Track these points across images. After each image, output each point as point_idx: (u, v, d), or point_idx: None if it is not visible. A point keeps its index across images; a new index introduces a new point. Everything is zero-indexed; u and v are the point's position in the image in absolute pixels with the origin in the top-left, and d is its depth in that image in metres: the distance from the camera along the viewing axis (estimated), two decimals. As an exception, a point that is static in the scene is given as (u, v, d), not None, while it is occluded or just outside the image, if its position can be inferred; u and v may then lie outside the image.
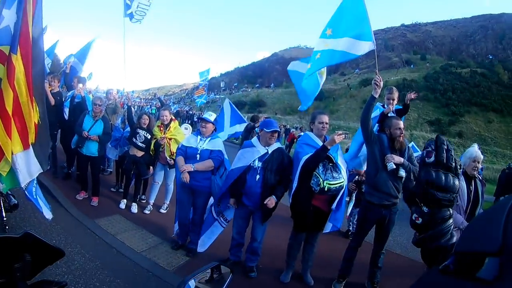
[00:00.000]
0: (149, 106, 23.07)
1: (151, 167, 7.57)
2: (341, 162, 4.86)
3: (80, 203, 7.34)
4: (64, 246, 5.40)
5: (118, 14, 8.85)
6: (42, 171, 4.52)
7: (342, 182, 4.74)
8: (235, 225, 5.40)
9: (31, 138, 4.24)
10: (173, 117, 7.49)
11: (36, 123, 4.31)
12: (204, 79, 30.18)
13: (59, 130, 8.97)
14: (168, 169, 7.42)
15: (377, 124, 5.59)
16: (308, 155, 4.73)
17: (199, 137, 5.75)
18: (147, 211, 7.45)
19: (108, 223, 6.63)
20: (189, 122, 34.08)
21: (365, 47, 5.35)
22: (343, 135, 4.61)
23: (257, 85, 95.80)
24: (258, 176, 4.99)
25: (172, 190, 7.51)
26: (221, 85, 64.11)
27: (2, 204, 4.91)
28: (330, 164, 4.77)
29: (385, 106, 5.93)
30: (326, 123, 5.03)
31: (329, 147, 4.60)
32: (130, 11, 8.74)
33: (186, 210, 5.88)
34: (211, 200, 5.84)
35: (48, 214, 4.81)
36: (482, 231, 1.35)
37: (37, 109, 4.32)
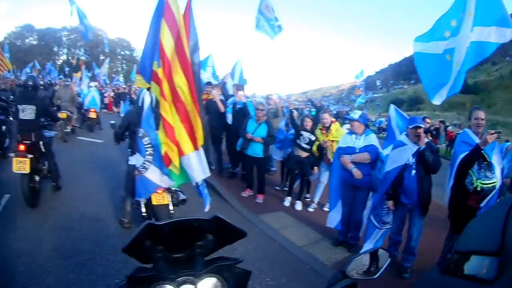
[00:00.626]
0: (308, 109, 23.69)
1: (315, 168, 7.69)
2: (495, 161, 4.55)
3: (245, 200, 7.80)
4: None
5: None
6: (209, 174, 5.12)
7: (495, 182, 4.46)
8: (393, 225, 5.42)
9: (200, 141, 4.85)
10: (333, 119, 7.54)
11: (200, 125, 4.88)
12: (359, 78, 30.22)
13: (224, 133, 9.64)
14: (328, 166, 7.41)
15: None
16: (464, 154, 4.54)
17: (353, 135, 5.85)
18: (311, 209, 7.60)
19: (272, 218, 6.90)
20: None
21: (506, 33, 5.03)
22: (495, 135, 4.28)
23: (413, 81, 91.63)
24: (413, 171, 4.97)
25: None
26: (377, 84, 62.66)
27: (171, 198, 5.33)
28: (485, 163, 4.50)
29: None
30: (482, 119, 4.75)
31: (482, 147, 4.32)
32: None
33: (348, 207, 5.93)
34: (369, 209, 5.83)
35: (206, 207, 5.41)
36: (482, 231, 1.35)
37: (201, 119, 4.89)
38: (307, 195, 8.22)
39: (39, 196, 6.86)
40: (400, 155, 5.06)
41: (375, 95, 55.96)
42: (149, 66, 4.87)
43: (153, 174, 4.82)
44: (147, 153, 4.80)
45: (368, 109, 55.09)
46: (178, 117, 4.67)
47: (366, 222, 5.86)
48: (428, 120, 9.43)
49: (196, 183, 5.09)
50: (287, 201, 7.75)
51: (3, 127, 10.73)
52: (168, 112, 4.64)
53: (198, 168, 4.86)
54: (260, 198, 7.83)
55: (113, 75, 48.22)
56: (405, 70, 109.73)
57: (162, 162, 4.75)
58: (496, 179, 4.44)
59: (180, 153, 4.73)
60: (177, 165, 4.79)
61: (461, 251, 1.35)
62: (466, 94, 62.97)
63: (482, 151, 4.33)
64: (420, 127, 4.95)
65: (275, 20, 10.18)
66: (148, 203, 5.28)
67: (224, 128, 9.42)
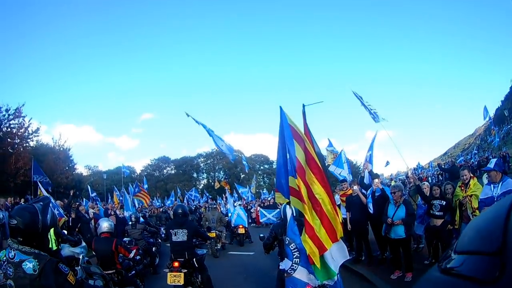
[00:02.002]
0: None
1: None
2: None
3: (395, 282, 7.77)
4: None
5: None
6: (348, 257, 5.68)
7: None
8: None
9: (339, 234, 5.43)
10: (472, 175, 7.42)
11: (341, 221, 5.61)
12: (487, 119, 28.36)
13: (368, 224, 9.83)
14: None
15: None
16: None
17: (492, 185, 5.77)
18: None
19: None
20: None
21: None
22: None
23: None
24: None
25: None
26: (506, 114, 56.63)
27: None
28: None
29: None
30: None
31: None
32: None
33: None
34: None
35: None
36: (482, 231, 1.37)
37: (339, 211, 5.69)
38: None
39: (192, 306, 7.28)
40: None
41: (509, 126, 51.13)
42: (286, 183, 5.54)
43: (300, 274, 5.17)
44: (294, 256, 5.19)
45: (507, 144, 49.93)
46: (318, 220, 5.24)
47: None
48: None
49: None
50: (436, 273, 7.44)
51: (154, 248, 11.89)
52: (309, 217, 5.20)
53: (339, 257, 5.36)
54: (409, 276, 7.71)
55: (258, 190, 50.13)
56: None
57: (308, 262, 5.12)
58: None
59: (322, 250, 5.19)
60: (318, 264, 5.16)
61: (461, 251, 1.38)
62: None
63: None
64: None
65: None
66: None
67: (368, 218, 9.61)
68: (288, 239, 5.30)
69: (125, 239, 10.83)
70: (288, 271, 5.28)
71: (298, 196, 5.29)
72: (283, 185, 5.65)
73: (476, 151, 58.04)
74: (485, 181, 7.68)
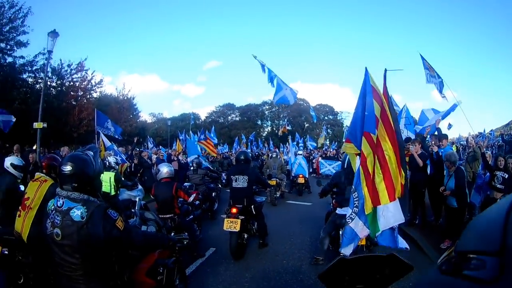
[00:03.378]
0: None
1: None
2: None
3: (443, 251, 7.38)
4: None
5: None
6: (403, 221, 5.81)
7: None
8: None
9: (398, 193, 5.59)
10: None
11: (403, 183, 5.74)
12: None
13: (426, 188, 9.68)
14: None
15: None
16: None
17: None
18: None
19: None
20: None
21: None
22: None
23: None
24: None
25: None
26: None
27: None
28: None
29: None
30: None
31: None
32: None
33: None
34: None
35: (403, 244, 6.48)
36: (482, 230, 1.31)
37: (403, 173, 5.79)
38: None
39: (244, 251, 7.73)
40: None
41: None
42: (360, 135, 5.83)
43: (355, 224, 5.54)
44: (354, 205, 5.54)
45: None
46: (381, 175, 5.53)
47: None
48: None
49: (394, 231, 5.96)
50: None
51: (213, 194, 12.28)
52: (374, 168, 5.55)
53: (391, 218, 5.60)
54: (456, 248, 7.44)
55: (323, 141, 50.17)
56: None
57: (365, 215, 5.48)
58: None
59: (376, 203, 5.49)
60: (369, 211, 5.53)
61: (461, 251, 1.30)
62: None
63: None
64: None
65: (437, 77, 10.26)
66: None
67: (427, 180, 9.43)
68: (353, 187, 5.64)
69: (185, 184, 11.20)
70: (347, 219, 5.69)
71: (369, 147, 5.60)
72: (357, 136, 5.91)
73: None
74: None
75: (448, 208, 7.84)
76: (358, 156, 5.89)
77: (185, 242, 4.19)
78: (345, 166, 7.09)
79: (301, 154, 18.70)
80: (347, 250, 5.77)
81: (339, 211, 6.73)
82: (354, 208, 5.55)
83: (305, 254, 7.85)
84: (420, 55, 10.87)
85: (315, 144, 38.66)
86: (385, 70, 6.36)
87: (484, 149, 8.37)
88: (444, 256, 1.43)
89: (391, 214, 5.59)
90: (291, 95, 13.99)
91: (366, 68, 5.97)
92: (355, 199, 5.56)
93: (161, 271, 4.02)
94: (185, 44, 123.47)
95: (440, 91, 10.53)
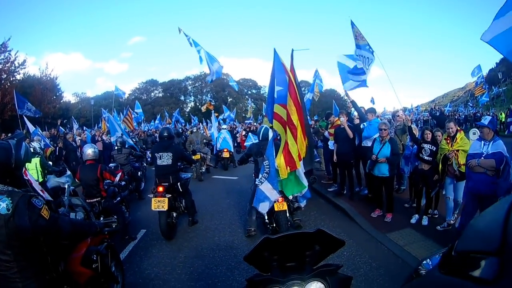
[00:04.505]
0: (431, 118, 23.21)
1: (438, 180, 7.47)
2: None
3: (374, 220, 7.91)
4: (354, 256, 6.19)
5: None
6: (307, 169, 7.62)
7: None
8: None
9: (303, 153, 7.30)
10: (459, 128, 7.31)
11: (306, 145, 7.61)
12: (478, 76, 28.01)
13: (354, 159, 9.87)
14: (455, 181, 7.12)
15: None
16: None
17: (482, 142, 5.82)
18: (439, 228, 7.22)
19: (398, 236, 6.95)
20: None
21: None
22: None
23: None
24: None
25: (452, 207, 7.24)
26: (499, 77, 56.07)
27: (288, 208, 7.00)
28: None
29: None
30: None
31: None
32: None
33: (470, 217, 5.79)
34: None
35: (303, 203, 7.72)
36: (482, 231, 1.37)
37: (307, 137, 7.55)
38: (435, 212, 8.01)
39: (175, 230, 7.76)
40: None
41: (500, 89, 51.17)
42: (271, 110, 6.99)
43: (265, 187, 6.53)
44: (265, 171, 6.56)
45: (496, 106, 50.32)
46: (295, 142, 6.80)
47: None
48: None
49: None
50: (414, 218, 7.66)
51: (139, 173, 12.10)
52: (288, 138, 6.78)
53: (302, 172, 7.15)
54: (388, 217, 7.85)
55: (243, 115, 50.11)
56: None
57: (275, 179, 6.53)
58: None
59: (294, 167, 6.85)
60: (285, 176, 6.81)
61: (461, 251, 1.38)
62: None
63: None
64: None
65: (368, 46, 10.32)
66: (270, 212, 6.77)
67: (354, 152, 9.63)
68: (265, 156, 6.64)
69: (110, 164, 10.91)
70: (257, 182, 6.81)
71: (281, 121, 6.83)
72: (268, 111, 7.15)
73: (463, 106, 58.12)
74: (472, 136, 7.65)
75: (376, 178, 8.07)
76: (271, 129, 7.10)
77: (114, 226, 4.09)
78: (260, 138, 7.66)
79: (225, 129, 18.74)
80: (262, 207, 6.66)
81: (257, 181, 7.01)
82: (264, 174, 6.54)
83: (236, 229, 7.97)
84: (351, 21, 10.60)
85: (229, 114, 38.77)
86: (292, 50, 7.21)
87: (410, 123, 8.68)
88: (444, 256, 1.50)
89: (302, 171, 7.14)
90: (216, 73, 13.96)
91: (274, 49, 6.85)
92: (265, 166, 6.54)
93: (95, 258, 3.88)
94: (109, 19, 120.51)
95: (367, 65, 10.53)
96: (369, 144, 8.84)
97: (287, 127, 6.80)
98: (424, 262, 2.14)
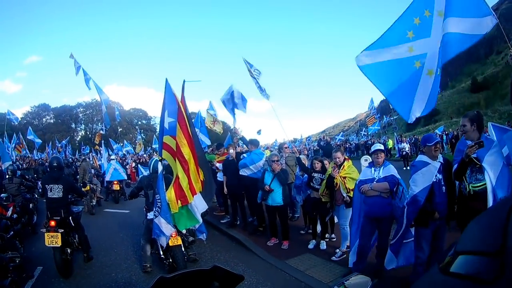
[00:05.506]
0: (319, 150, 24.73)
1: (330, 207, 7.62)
2: (487, 162, 4.52)
3: (272, 248, 7.97)
4: (256, 285, 6.19)
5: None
6: (207, 207, 7.26)
7: (485, 184, 4.49)
8: (420, 246, 5.35)
9: (198, 188, 6.96)
10: (346, 157, 7.52)
11: (202, 179, 7.17)
12: (372, 109, 30.10)
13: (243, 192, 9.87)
14: (345, 208, 7.25)
15: None
16: (456, 165, 4.76)
17: (372, 168, 6.05)
18: (335, 258, 7.15)
19: (298, 261, 7.04)
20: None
21: (486, 23, 5.11)
22: (475, 147, 4.42)
23: None
24: (444, 188, 5.09)
25: (348, 234, 7.18)
26: (391, 107, 61.79)
27: (182, 241, 6.85)
28: (476, 166, 4.60)
29: None
30: (464, 126, 4.84)
31: (466, 159, 4.51)
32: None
33: (365, 239, 6.05)
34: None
35: (204, 237, 7.55)
36: (482, 231, 1.37)
37: (202, 171, 7.25)
38: (333, 236, 8.22)
39: (71, 266, 7.35)
40: (426, 175, 5.09)
41: (391, 118, 55.29)
42: (161, 142, 6.87)
43: (159, 221, 6.36)
44: (157, 205, 6.39)
45: (387, 134, 54.13)
46: (185, 176, 6.64)
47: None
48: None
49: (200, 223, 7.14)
50: (312, 244, 7.82)
51: (31, 205, 11.39)
52: (178, 170, 6.64)
53: (199, 206, 6.92)
54: (285, 244, 7.94)
55: (133, 146, 49.17)
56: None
57: (167, 213, 6.38)
58: (485, 180, 4.47)
59: (186, 202, 6.64)
60: (176, 210, 6.55)
61: (461, 251, 1.36)
62: (478, 92, 61.96)
63: (470, 158, 4.48)
64: (439, 143, 5.23)
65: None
66: (165, 247, 6.69)
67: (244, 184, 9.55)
68: (156, 190, 6.53)
69: (1, 195, 10.05)
70: (151, 216, 6.83)
71: (171, 152, 6.74)
72: (159, 143, 7.01)
73: (355, 135, 61.52)
74: (363, 163, 8.00)
75: (269, 208, 8.12)
76: (160, 162, 6.85)
77: (17, 261, 3.85)
78: (151, 171, 7.55)
79: (114, 159, 18.17)
80: (161, 241, 6.66)
81: (149, 215, 7.13)
82: (157, 208, 6.40)
83: (132, 264, 7.73)
84: (244, 59, 11.40)
85: (133, 150, 38.24)
86: (184, 81, 7.22)
87: (298, 154, 8.88)
88: (446, 256, 1.46)
89: (198, 205, 6.88)
90: (106, 101, 13.83)
91: (166, 79, 6.79)
92: (157, 200, 6.41)
93: None
94: (6, 34, 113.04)
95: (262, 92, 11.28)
96: (246, 173, 9.14)
97: (176, 159, 6.70)
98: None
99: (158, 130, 6.79)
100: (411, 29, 5.64)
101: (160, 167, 6.66)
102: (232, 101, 13.45)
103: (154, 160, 7.60)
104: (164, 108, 6.75)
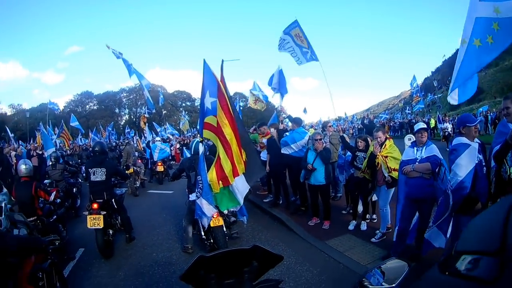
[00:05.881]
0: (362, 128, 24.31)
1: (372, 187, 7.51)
2: None
3: (312, 228, 7.93)
4: (294, 265, 6.18)
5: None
6: (249, 188, 6.74)
7: None
8: (458, 233, 5.08)
9: (241, 170, 6.51)
10: (388, 136, 7.41)
11: (245, 160, 6.66)
12: (415, 86, 29.34)
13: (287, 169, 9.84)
14: (386, 189, 7.10)
15: None
16: (497, 147, 4.45)
17: (415, 148, 5.92)
18: (374, 239, 7.05)
19: (338, 242, 7.00)
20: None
21: None
22: None
23: None
24: (484, 169, 4.93)
25: (388, 215, 7.20)
26: (435, 84, 60.12)
27: (223, 221, 6.85)
28: None
29: None
30: (507, 108, 4.45)
31: (510, 142, 4.17)
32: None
33: (405, 222, 5.97)
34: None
35: (245, 220, 7.27)
36: (482, 231, 1.37)
37: (245, 152, 6.74)
38: (374, 216, 8.12)
39: (113, 247, 7.54)
40: (470, 157, 4.88)
41: (435, 97, 53.98)
42: (202, 122, 6.67)
43: (201, 202, 6.34)
44: (199, 187, 6.37)
45: (431, 112, 53.10)
46: (227, 156, 6.35)
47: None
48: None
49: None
50: (352, 225, 7.74)
51: (74, 189, 11.71)
52: (220, 150, 6.38)
53: (242, 188, 6.55)
54: (326, 225, 7.90)
55: (178, 127, 49.73)
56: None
57: (209, 194, 6.30)
58: None
59: (227, 182, 6.39)
60: (217, 190, 6.40)
61: (461, 251, 1.35)
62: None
63: None
64: (477, 125, 5.12)
65: (309, 49, 10.33)
66: (207, 228, 6.75)
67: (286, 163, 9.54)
68: (198, 171, 6.53)
69: (45, 181, 10.45)
70: (192, 198, 6.87)
71: (214, 130, 6.50)
72: (200, 123, 6.76)
73: (400, 113, 60.50)
74: (407, 142, 7.81)
75: (312, 186, 8.04)
76: (201, 143, 6.76)
77: (57, 243, 4.00)
78: (192, 152, 7.55)
79: (159, 141, 18.52)
80: (203, 221, 6.63)
81: (191, 197, 7.14)
82: (199, 189, 6.39)
83: (173, 244, 7.83)
84: (296, 20, 10.63)
85: (177, 132, 38.82)
86: (222, 61, 6.86)
87: (342, 133, 8.80)
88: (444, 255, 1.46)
89: (240, 187, 6.50)
90: (147, 85, 14.00)
91: (204, 60, 6.52)
92: (199, 182, 6.38)
93: (40, 276, 3.84)
94: (47, 27, 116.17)
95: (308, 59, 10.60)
96: (288, 151, 9.08)
97: (218, 138, 6.50)
98: (368, 274, 2.12)
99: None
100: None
101: (201, 148, 6.60)
102: (280, 82, 13.51)
103: (196, 141, 7.58)
104: (205, 88, 6.58)
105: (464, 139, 4.95)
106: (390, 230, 7.09)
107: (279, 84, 13.49)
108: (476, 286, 1.13)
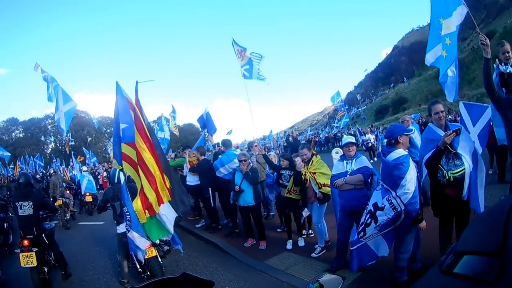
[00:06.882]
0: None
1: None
2: (462, 148, 4.68)
3: (249, 250, 7.93)
4: None
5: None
6: (176, 215, 6.59)
7: (464, 169, 4.61)
8: (412, 246, 5.17)
9: (166, 198, 6.39)
10: (315, 152, 7.53)
11: (169, 187, 6.52)
12: (338, 101, 30.33)
13: (216, 193, 9.89)
14: (318, 205, 7.11)
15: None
16: (429, 154, 4.76)
17: (345, 161, 6.02)
18: (314, 255, 7.05)
19: (277, 261, 7.00)
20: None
21: (461, 12, 5.55)
22: (453, 134, 4.51)
23: (392, 84, 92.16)
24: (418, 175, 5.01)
25: (325, 229, 7.29)
26: (358, 98, 63.15)
27: (157, 252, 6.57)
28: (451, 153, 4.67)
29: (502, 64, 5.34)
30: (442, 111, 4.88)
31: (443, 148, 4.53)
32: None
33: (344, 234, 6.01)
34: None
35: (180, 248, 6.95)
36: (483, 231, 1.37)
37: (168, 178, 6.57)
38: (310, 232, 8.21)
39: (50, 286, 7.20)
40: (413, 169, 4.81)
41: (359, 110, 55.99)
42: (119, 151, 6.13)
43: (132, 235, 5.93)
44: (127, 219, 5.94)
45: (356, 125, 55.38)
46: (148, 184, 6.14)
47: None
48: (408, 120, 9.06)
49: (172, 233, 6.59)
50: (289, 244, 7.71)
51: (5, 225, 11.09)
52: (140, 181, 6.12)
53: (168, 215, 6.40)
54: (263, 245, 7.90)
55: (104, 155, 48.25)
56: (382, 76, 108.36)
57: (138, 225, 5.94)
58: (464, 165, 4.59)
59: (153, 212, 6.16)
60: (144, 220, 6.12)
61: (461, 251, 1.36)
62: (445, 80, 63.25)
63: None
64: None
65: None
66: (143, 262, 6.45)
67: (215, 186, 9.63)
68: (123, 202, 6.04)
69: None
70: (121, 231, 6.65)
71: (130, 162, 6.12)
72: (116, 152, 6.30)
73: (324, 128, 62.15)
74: (334, 155, 8.02)
75: (242, 208, 8.09)
76: (121, 172, 6.25)
77: None
78: (115, 182, 7.09)
79: (86, 171, 18.20)
80: (139, 255, 6.34)
81: (118, 229, 6.91)
82: (127, 222, 5.95)
83: (110, 278, 7.60)
84: (232, 39, 11.47)
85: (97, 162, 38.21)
86: (136, 82, 6.72)
87: (265, 152, 8.87)
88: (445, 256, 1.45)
89: (167, 214, 6.38)
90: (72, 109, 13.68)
91: (117, 82, 6.29)
92: (126, 213, 5.96)
93: None
94: None
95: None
96: (221, 174, 9.20)
97: (139, 169, 6.18)
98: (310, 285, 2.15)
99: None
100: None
101: (122, 178, 6.19)
102: (208, 124, 14.08)
103: (115, 170, 7.14)
104: (117, 114, 6.23)
105: (401, 151, 4.87)
106: (329, 243, 7.21)
107: (208, 125, 14.10)
108: (476, 287, 1.15)
